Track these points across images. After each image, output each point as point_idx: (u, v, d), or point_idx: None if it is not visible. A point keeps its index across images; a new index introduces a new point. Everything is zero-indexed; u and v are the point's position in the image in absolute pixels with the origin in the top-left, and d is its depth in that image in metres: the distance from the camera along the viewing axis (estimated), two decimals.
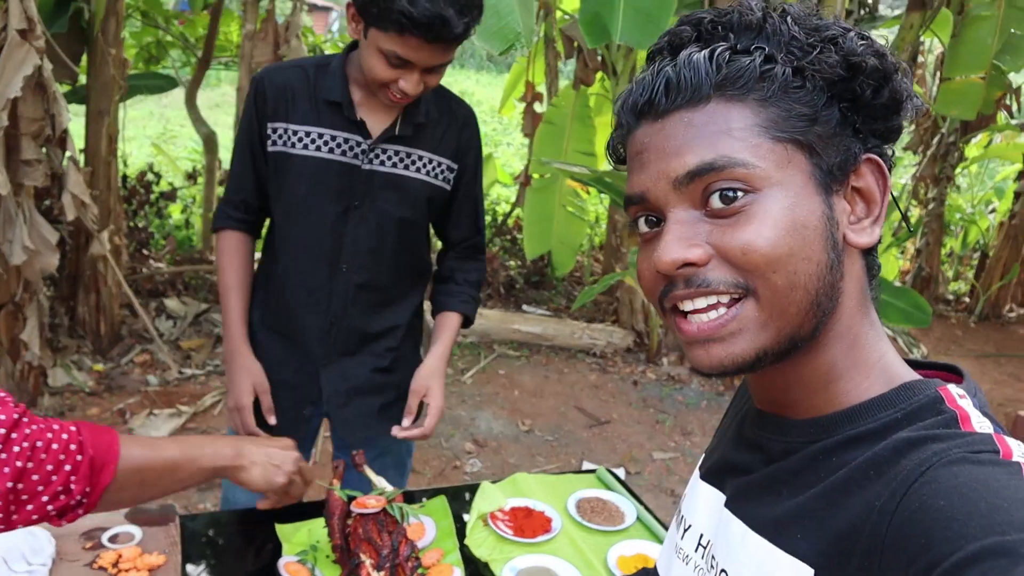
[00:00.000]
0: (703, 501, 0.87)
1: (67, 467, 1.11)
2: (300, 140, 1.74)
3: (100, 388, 4.32)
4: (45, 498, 1.09)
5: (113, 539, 1.61)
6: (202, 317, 5.34)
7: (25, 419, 1.10)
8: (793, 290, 0.66)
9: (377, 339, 1.91)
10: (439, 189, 1.86)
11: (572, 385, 5.08)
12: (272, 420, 1.87)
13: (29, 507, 1.08)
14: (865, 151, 0.71)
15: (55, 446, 1.11)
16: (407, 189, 1.81)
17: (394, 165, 1.78)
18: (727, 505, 0.80)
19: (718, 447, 0.91)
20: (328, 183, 1.76)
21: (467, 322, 1.99)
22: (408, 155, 1.79)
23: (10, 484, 1.05)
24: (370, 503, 1.56)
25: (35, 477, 1.08)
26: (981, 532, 0.54)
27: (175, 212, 6.80)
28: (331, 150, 1.74)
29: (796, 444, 0.74)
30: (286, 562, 1.56)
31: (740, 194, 0.66)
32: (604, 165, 5.48)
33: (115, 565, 1.52)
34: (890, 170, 0.73)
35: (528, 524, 1.79)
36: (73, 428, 1.16)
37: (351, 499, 1.62)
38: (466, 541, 1.73)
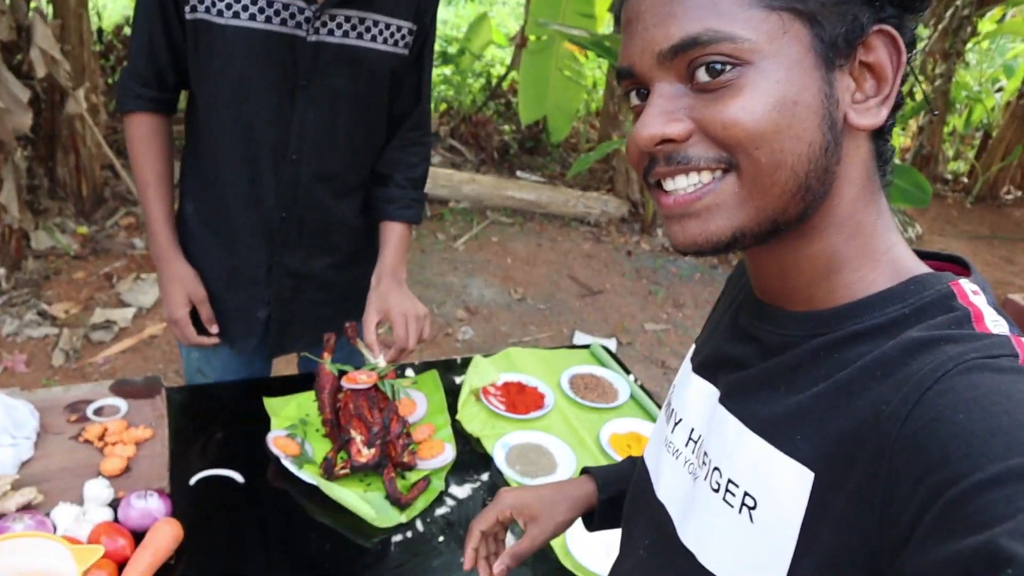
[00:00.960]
0: (695, 395, 0.82)
1: None
2: (228, 7, 1.43)
3: (85, 252, 4.24)
4: None
5: (98, 412, 1.58)
6: None
7: None
8: (778, 170, 0.61)
9: (333, 233, 1.71)
10: (400, 58, 1.60)
11: (565, 254, 5.03)
12: (214, 330, 1.71)
13: None
14: (877, 22, 0.63)
15: None
16: (362, 62, 1.54)
17: (345, 34, 1.50)
18: (722, 401, 0.75)
19: (711, 338, 0.84)
20: (267, 60, 1.48)
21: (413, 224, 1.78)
22: (361, 21, 1.51)
23: None
24: (361, 379, 1.52)
25: None
26: (1004, 451, 0.49)
27: None
28: (268, 19, 1.44)
29: (795, 338, 0.69)
30: (275, 436, 1.54)
31: (728, 67, 0.60)
32: (604, 28, 5.21)
33: (101, 438, 1.50)
34: (911, 46, 0.64)
35: (520, 400, 1.77)
36: None
37: (342, 373, 1.58)
38: (457, 416, 1.71)
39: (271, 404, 1.66)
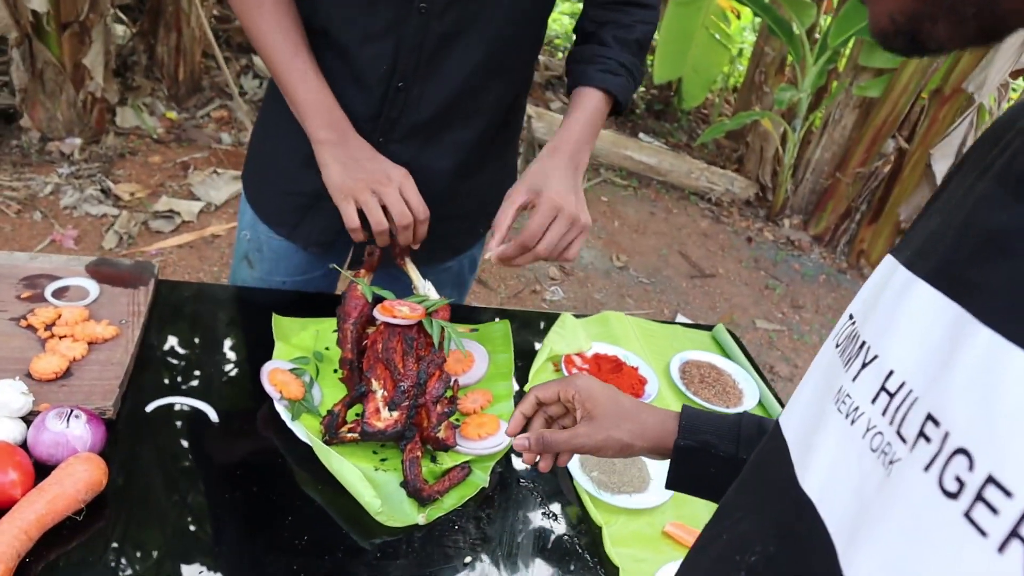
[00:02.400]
0: (914, 316, 0.46)
1: None
2: None
3: (169, 137, 3.96)
4: None
5: (60, 294, 1.20)
6: None
7: None
8: None
9: (462, 120, 1.24)
10: None
11: (679, 228, 4.49)
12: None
13: None
14: None
15: None
16: None
17: None
18: (986, 320, 0.39)
19: (947, 222, 0.48)
20: None
21: (617, 106, 1.24)
22: None
23: None
24: (401, 311, 1.09)
25: None
26: None
27: None
28: None
29: None
30: (273, 368, 1.12)
31: None
32: None
33: (48, 328, 1.11)
34: None
35: (615, 381, 1.31)
36: None
37: (378, 301, 1.15)
38: (526, 388, 1.26)
39: (281, 325, 1.24)
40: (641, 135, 5.60)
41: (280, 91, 1.18)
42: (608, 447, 0.86)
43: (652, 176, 4.98)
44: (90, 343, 1.10)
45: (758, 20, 5.64)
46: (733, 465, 0.79)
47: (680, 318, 3.54)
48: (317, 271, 1.42)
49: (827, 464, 0.48)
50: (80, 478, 0.88)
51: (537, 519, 1.04)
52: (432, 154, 1.25)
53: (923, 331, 0.44)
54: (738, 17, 5.59)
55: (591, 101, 1.21)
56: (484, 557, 0.97)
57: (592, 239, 4.09)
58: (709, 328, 1.60)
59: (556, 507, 1.07)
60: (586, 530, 1.04)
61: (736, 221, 4.84)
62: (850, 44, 4.45)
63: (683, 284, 3.92)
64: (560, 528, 1.04)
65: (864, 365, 0.48)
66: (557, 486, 1.10)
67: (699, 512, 1.09)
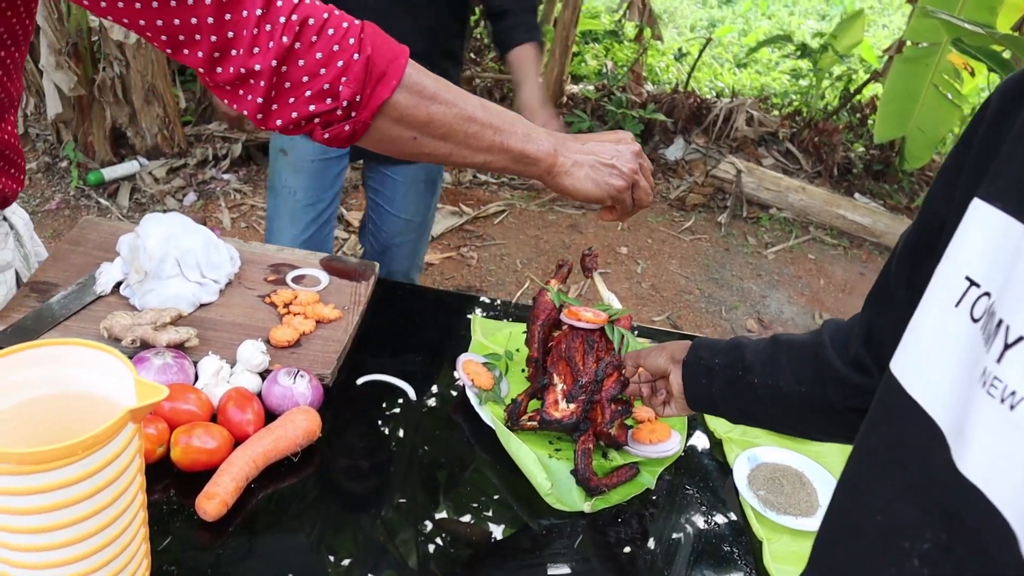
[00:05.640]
0: None
1: (339, 62, 0.83)
2: None
3: None
4: (308, 92, 0.84)
5: (298, 280, 1.39)
6: None
7: None
8: None
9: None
10: None
11: None
12: None
13: (291, 99, 0.84)
14: None
15: (330, 31, 0.83)
16: None
17: None
18: None
19: None
20: None
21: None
22: None
23: (273, 63, 0.80)
24: (585, 316, 1.17)
25: (301, 62, 0.82)
26: None
27: None
28: None
29: None
30: (468, 359, 1.24)
31: None
32: (1005, 27, 4.32)
33: (286, 306, 1.30)
34: None
35: None
36: (356, 21, 0.87)
37: (565, 306, 1.24)
38: None
39: (479, 325, 1.36)
40: (857, 195, 5.38)
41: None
42: (652, 353, 1.06)
43: (865, 236, 4.76)
44: (318, 321, 1.27)
45: (994, 76, 5.27)
46: (732, 384, 0.94)
47: None
48: (334, 152, 1.87)
49: (988, 450, 0.47)
50: (300, 426, 1.03)
51: (699, 525, 1.07)
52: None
53: None
54: (972, 74, 5.25)
55: (531, 53, 1.74)
56: (643, 551, 1.02)
57: (794, 294, 3.98)
58: None
59: (718, 517, 1.09)
60: (746, 543, 1.06)
61: None
62: None
63: None
64: (720, 537, 1.06)
65: (1007, 346, 0.47)
66: (722, 499, 1.13)
67: None
